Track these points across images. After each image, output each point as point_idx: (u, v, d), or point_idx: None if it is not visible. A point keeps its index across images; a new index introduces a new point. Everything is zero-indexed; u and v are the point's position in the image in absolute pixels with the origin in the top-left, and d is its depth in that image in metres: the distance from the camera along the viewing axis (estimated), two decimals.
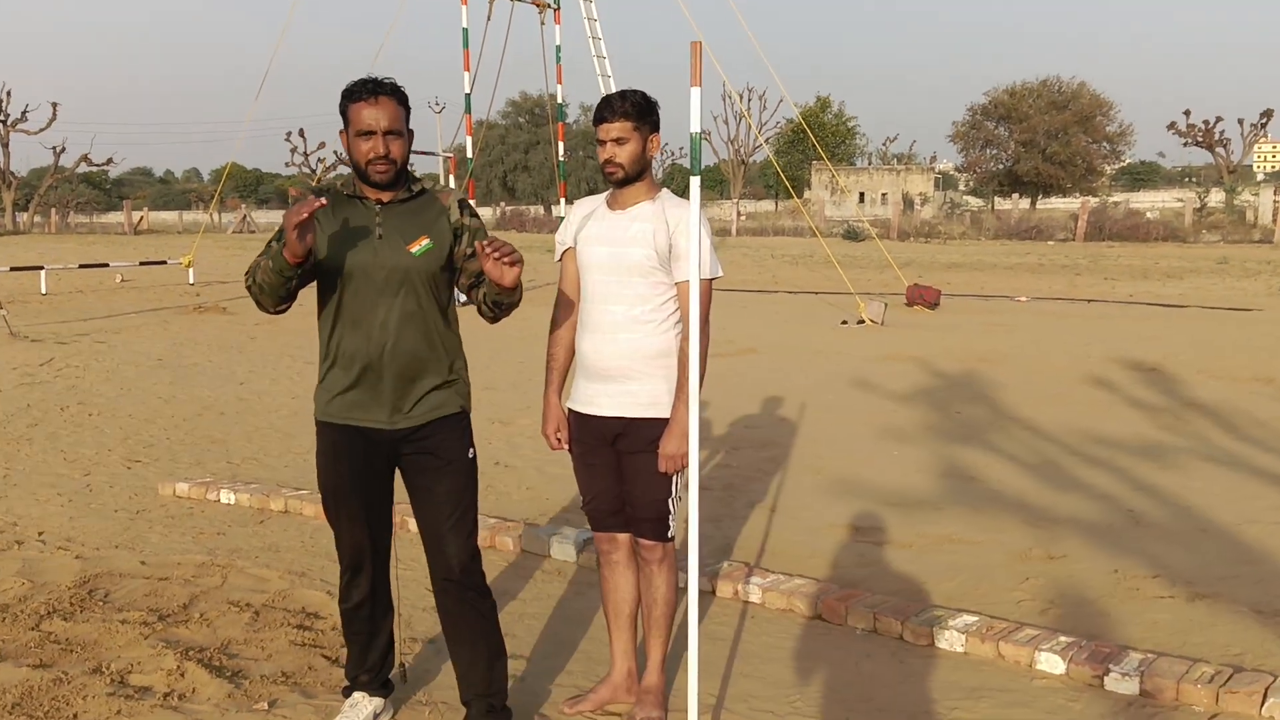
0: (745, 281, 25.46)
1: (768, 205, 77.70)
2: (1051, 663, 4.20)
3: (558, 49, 21.70)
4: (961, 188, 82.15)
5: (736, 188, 71.06)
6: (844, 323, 16.87)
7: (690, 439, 3.37)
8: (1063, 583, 5.26)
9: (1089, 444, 8.36)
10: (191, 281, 23.48)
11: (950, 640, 4.43)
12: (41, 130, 59.00)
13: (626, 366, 3.65)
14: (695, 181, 3.18)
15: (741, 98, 67.44)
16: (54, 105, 58.95)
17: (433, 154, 22.25)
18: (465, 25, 19.76)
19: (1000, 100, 68.07)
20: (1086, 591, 5.15)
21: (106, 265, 23.74)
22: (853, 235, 43.38)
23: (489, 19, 20.33)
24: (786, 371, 12.00)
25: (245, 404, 10.01)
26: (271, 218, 72.45)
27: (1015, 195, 63.00)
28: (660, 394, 3.65)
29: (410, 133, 3.50)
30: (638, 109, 3.56)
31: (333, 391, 3.52)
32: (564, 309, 3.89)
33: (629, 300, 3.63)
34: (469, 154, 20.69)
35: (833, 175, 41.91)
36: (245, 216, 62.88)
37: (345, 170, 3.75)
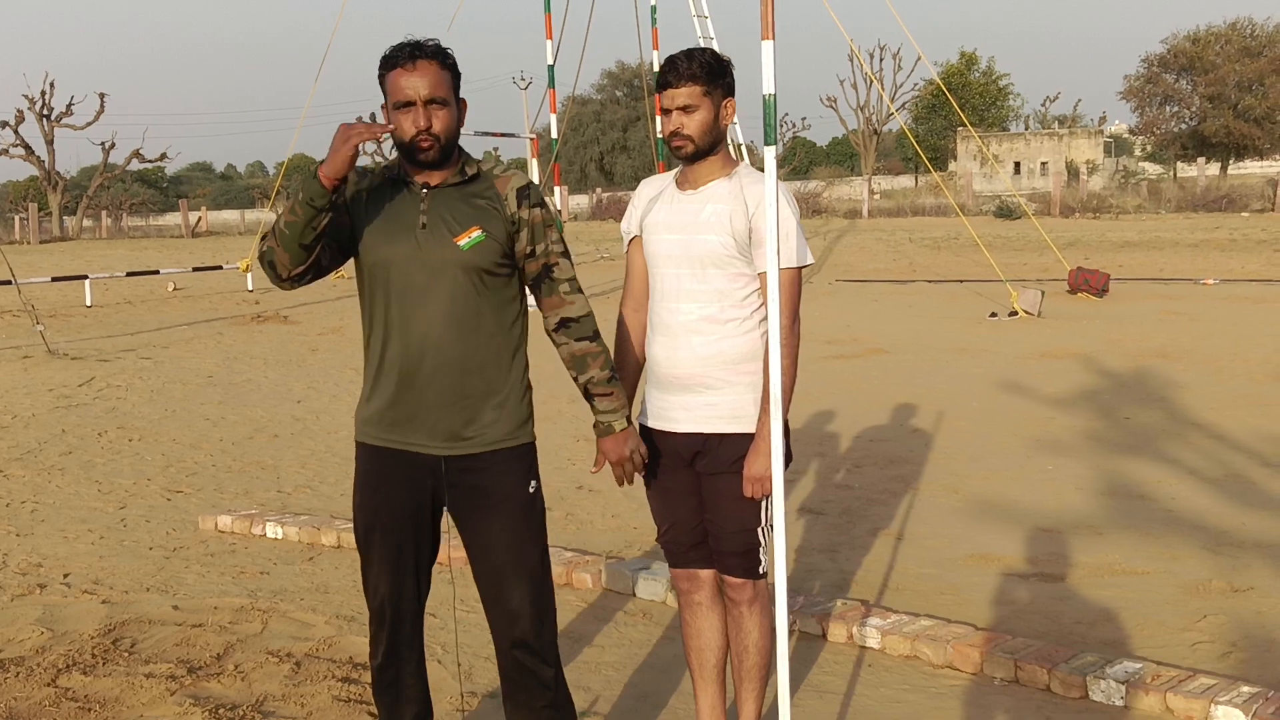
0: (877, 270, 25.19)
1: (906, 181, 76.74)
2: (1231, 717, 4.00)
3: (653, 9, 21.69)
4: (1137, 153, 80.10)
5: (869, 162, 70.32)
6: (993, 315, 16.54)
7: (774, 455, 3.28)
8: (1247, 621, 5.02)
9: None
10: (250, 288, 24.07)
11: (1107, 692, 4.25)
12: (89, 124, 60.95)
13: (704, 374, 3.57)
14: (769, 153, 3.09)
15: (872, 57, 66.77)
16: (101, 96, 60.92)
17: (515, 136, 22.40)
18: None
19: (1181, 48, 66.11)
20: (1276, 632, 4.91)
21: (157, 273, 24.48)
22: (1005, 213, 42.54)
23: None
24: (922, 374, 11.79)
25: (301, 424, 10.18)
26: None
27: (1201, 160, 60.98)
28: (745, 405, 3.56)
29: (462, 103, 3.41)
30: (707, 70, 3.47)
31: (371, 408, 3.44)
32: (632, 308, 3.83)
33: (705, 296, 3.55)
34: (554, 134, 20.80)
35: (980, 144, 41.14)
36: None
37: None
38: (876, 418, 9.69)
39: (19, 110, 60.53)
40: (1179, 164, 68.58)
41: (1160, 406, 9.86)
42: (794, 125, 74.80)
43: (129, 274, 22.80)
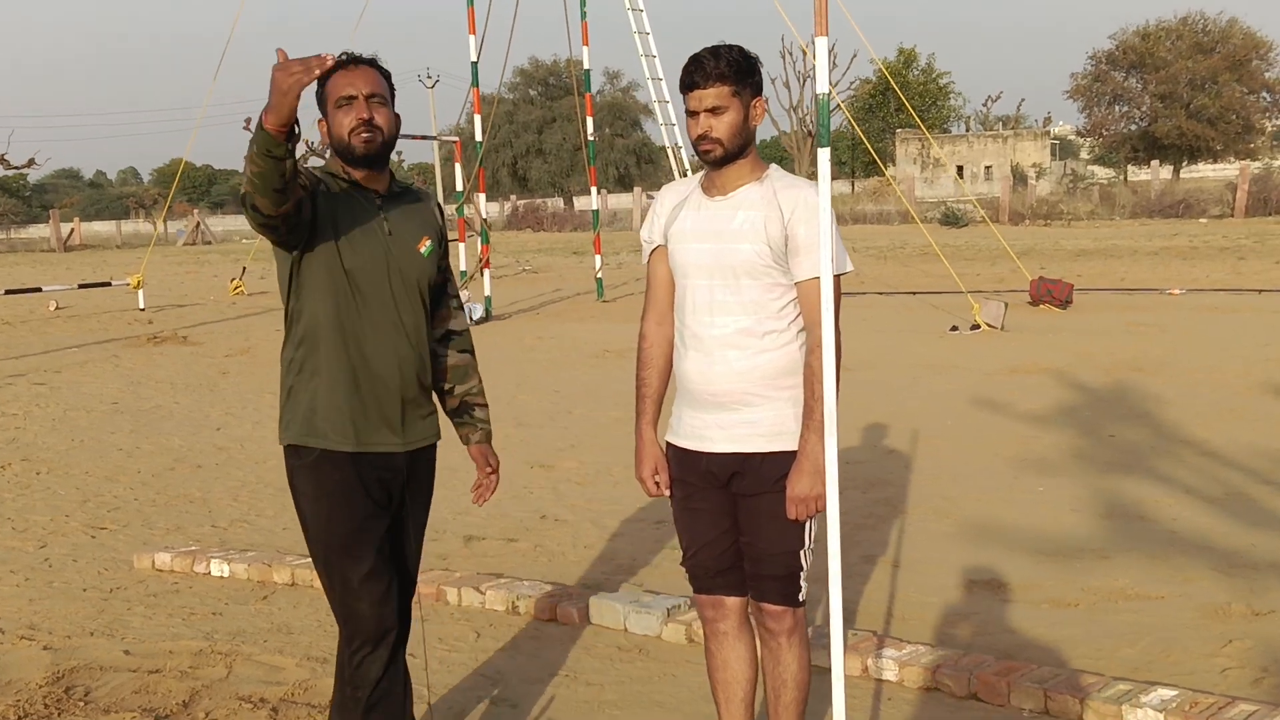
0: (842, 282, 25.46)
1: (842, 186, 77.59)
2: None
3: (582, 2, 21.83)
4: (1084, 155, 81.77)
5: (803, 166, 71.07)
6: (954, 329, 16.82)
7: (828, 474, 3.37)
8: (1275, 645, 5.21)
9: None
10: (142, 306, 23.74)
11: None
12: None
13: (743, 391, 3.65)
14: (824, 155, 3.19)
15: (805, 53, 67.51)
16: None
17: (429, 138, 22.36)
18: None
19: (1130, 45, 67.64)
20: None
21: (39, 290, 24.09)
22: (953, 220, 43.31)
23: None
24: (890, 392, 11.97)
25: (226, 454, 10.11)
26: (229, 224, 73.22)
27: (1154, 162, 62.39)
28: (786, 421, 3.65)
29: (397, 116, 3.73)
30: (736, 69, 3.56)
31: (343, 412, 3.67)
32: (655, 322, 3.89)
33: (740, 309, 3.63)
34: (479, 135, 20.82)
35: (924, 144, 41.65)
36: (199, 224, 63.59)
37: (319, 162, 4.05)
38: (848, 438, 9.82)
39: None
40: (1130, 167, 70.05)
41: (1144, 422, 10.12)
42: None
43: (7, 292, 22.42)
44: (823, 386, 3.46)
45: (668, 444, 3.89)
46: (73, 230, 61.30)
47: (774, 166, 3.72)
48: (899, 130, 71.86)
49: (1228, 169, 64.10)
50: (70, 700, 4.95)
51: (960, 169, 69.78)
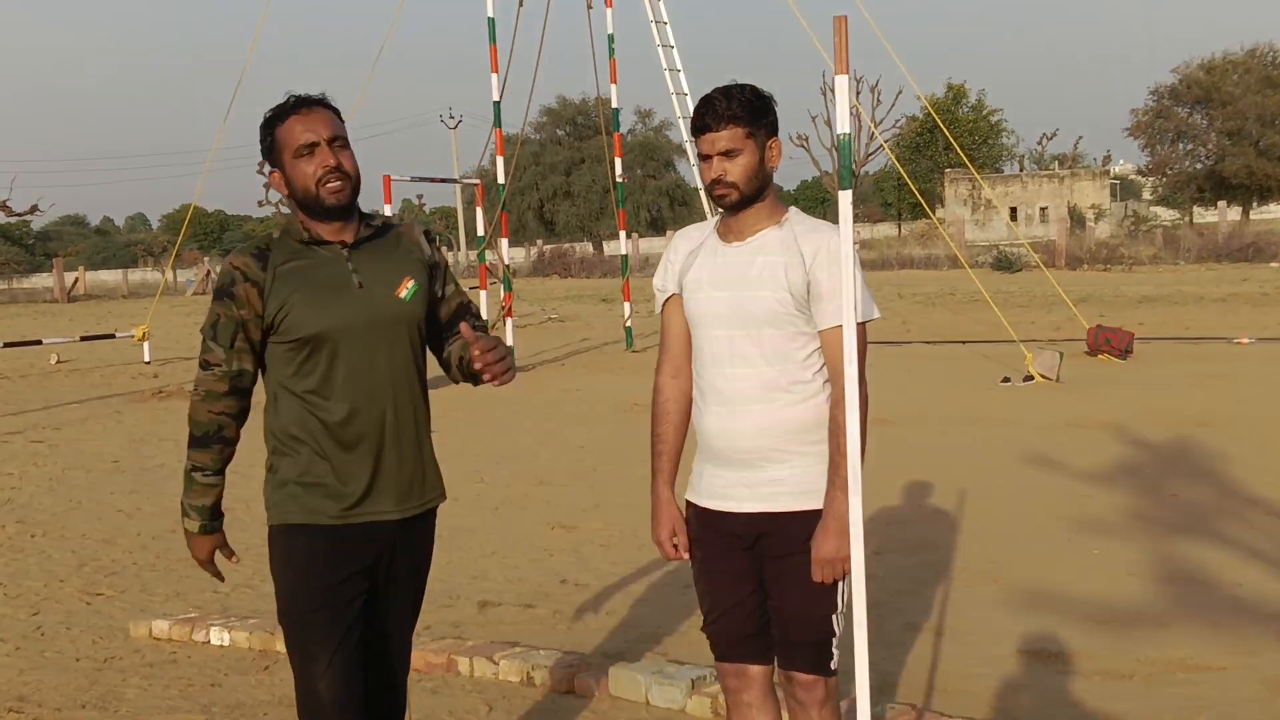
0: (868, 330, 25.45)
1: (888, 229, 77.70)
2: None
3: (610, 39, 22.00)
4: (1146, 196, 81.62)
5: None
6: (1006, 380, 16.77)
7: (853, 534, 3.36)
8: None
9: None
10: (148, 360, 23.94)
11: None
12: None
13: (767, 447, 3.65)
14: (845, 198, 3.21)
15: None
16: None
17: (451, 180, 22.56)
18: (491, 14, 20.14)
19: (1195, 79, 67.63)
20: None
21: (39, 343, 24.30)
22: (1005, 264, 43.25)
23: (521, 3, 20.70)
24: (934, 448, 11.94)
25: (230, 515, 9.94)
26: None
27: (1221, 203, 62.22)
28: (815, 478, 3.65)
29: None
30: (749, 110, 3.59)
31: (324, 484, 3.64)
32: (671, 374, 3.91)
33: (763, 360, 3.64)
34: (501, 178, 20.97)
35: (974, 185, 41.67)
36: (208, 273, 64.10)
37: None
38: (890, 498, 9.80)
39: None
40: (1195, 208, 69.83)
41: (1209, 481, 10.05)
42: None
43: (6, 345, 22.65)
44: (847, 441, 3.45)
45: (688, 503, 3.90)
46: (77, 280, 61.88)
47: (794, 209, 3.74)
48: (948, 170, 72.01)
49: None
50: None
51: (1014, 211, 69.76)
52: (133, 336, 24.42)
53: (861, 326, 3.58)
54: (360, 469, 3.63)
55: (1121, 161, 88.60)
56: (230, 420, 3.75)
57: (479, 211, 21.55)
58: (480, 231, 21.78)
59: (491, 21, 20.17)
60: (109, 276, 79.21)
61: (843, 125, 3.11)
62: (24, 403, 18.60)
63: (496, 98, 20.23)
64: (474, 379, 3.70)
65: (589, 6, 22.06)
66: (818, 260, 3.57)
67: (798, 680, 3.77)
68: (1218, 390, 15.13)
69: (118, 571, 8.48)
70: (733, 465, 3.72)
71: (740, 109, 3.59)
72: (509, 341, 20.68)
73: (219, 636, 6.75)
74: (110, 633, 7.08)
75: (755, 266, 3.65)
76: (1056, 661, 6.05)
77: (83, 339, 25.55)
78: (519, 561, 8.23)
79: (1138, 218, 63.91)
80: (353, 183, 3.61)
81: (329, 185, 3.54)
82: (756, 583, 3.78)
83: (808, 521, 3.64)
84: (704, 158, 3.64)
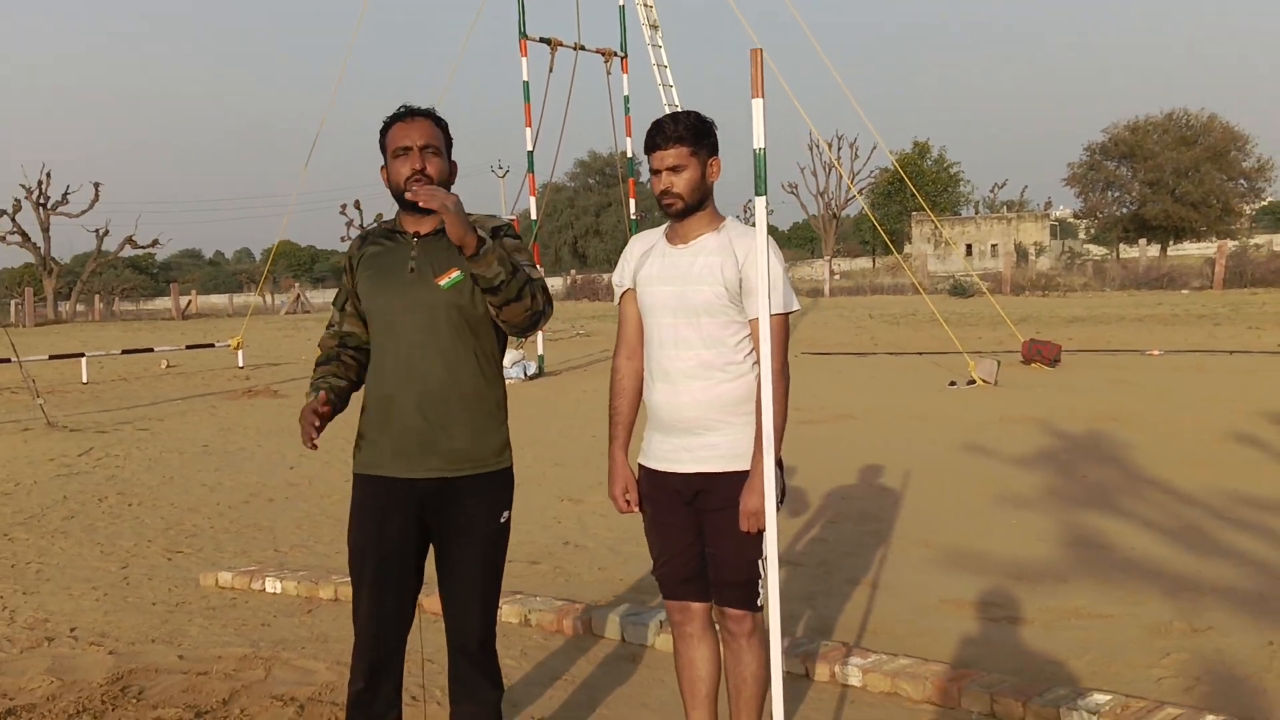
0: (840, 344, 25.33)
1: (864, 263, 77.34)
2: None
3: (626, 99, 21.97)
4: (1081, 236, 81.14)
5: (829, 245, 71.02)
6: (952, 384, 16.66)
7: (766, 490, 3.32)
8: (1209, 658, 5.06)
9: (1236, 506, 8.10)
10: (241, 365, 23.98)
11: None
12: (83, 213, 60.79)
13: (704, 417, 3.61)
14: (760, 203, 3.16)
15: (830, 146, 67.62)
16: (96, 186, 60.78)
17: (496, 218, 22.47)
18: (525, 78, 20.15)
19: (1121, 137, 67.22)
20: (1237, 668, 4.94)
21: (151, 350, 24.39)
22: (960, 291, 42.93)
23: (551, 70, 20.70)
24: (887, 438, 11.85)
25: (295, 489, 10.13)
26: (327, 296, 73.95)
27: (1142, 241, 61.74)
28: (744, 444, 3.60)
29: (453, 164, 3.62)
30: (693, 131, 3.56)
31: (364, 439, 3.62)
32: (626, 356, 3.87)
33: (700, 343, 3.60)
34: (533, 215, 20.96)
35: (935, 226, 41.63)
36: (299, 296, 64.27)
37: None
38: (846, 478, 9.73)
39: (16, 200, 60.35)
40: (1121, 245, 69.37)
41: (1115, 465, 9.94)
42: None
43: (124, 351, 22.71)
44: (762, 414, 3.40)
45: (640, 466, 3.85)
46: (190, 301, 62.02)
47: (730, 218, 3.70)
48: (914, 213, 71.70)
49: (1209, 247, 63.37)
50: (125, 698, 4.93)
51: (969, 247, 69.52)
52: (229, 345, 24.46)
53: (783, 317, 3.54)
54: (386, 430, 3.55)
55: (1061, 207, 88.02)
56: (341, 359, 3.70)
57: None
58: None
59: (526, 84, 20.17)
60: (218, 300, 79.23)
61: (758, 140, 3.06)
62: (136, 399, 18.64)
63: (530, 148, 20.25)
64: (490, 294, 3.43)
65: (608, 72, 22.03)
66: (749, 260, 3.53)
67: (729, 615, 3.72)
68: (1130, 392, 15.00)
69: (196, 534, 8.45)
70: (676, 433, 3.67)
71: (685, 131, 3.55)
72: (539, 350, 20.66)
73: (273, 585, 6.72)
74: (183, 583, 7.06)
75: (696, 266, 3.61)
76: (970, 609, 5.97)
77: (188, 347, 25.61)
78: (530, 527, 8.17)
79: (1073, 253, 63.48)
80: (435, 184, 3.49)
81: (414, 183, 3.48)
82: (696, 533, 3.73)
83: (737, 481, 3.59)
84: (654, 172, 3.60)
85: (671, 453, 3.70)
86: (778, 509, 3.51)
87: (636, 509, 3.84)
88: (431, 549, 3.66)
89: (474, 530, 3.59)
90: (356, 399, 3.73)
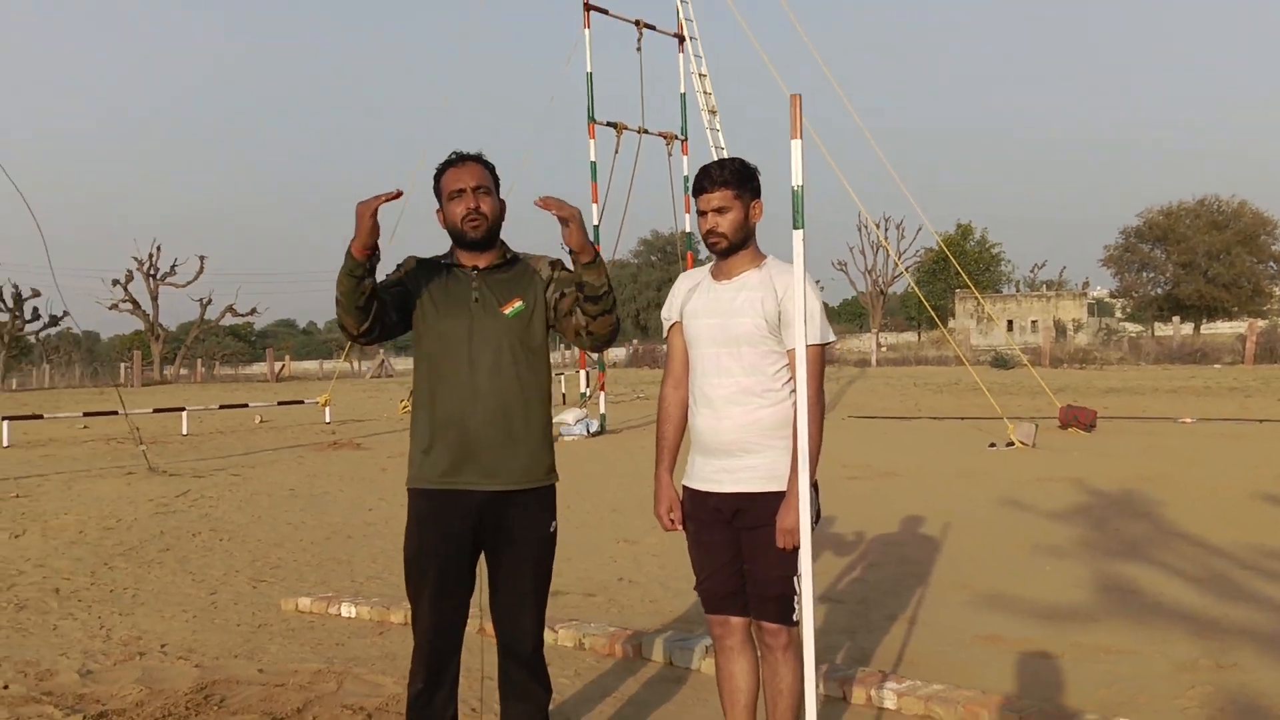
0: (884, 409, 25.12)
1: (910, 337, 76.87)
2: None
3: (685, 179, 22.14)
4: (1118, 314, 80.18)
5: (876, 319, 70.75)
6: (992, 445, 16.44)
7: (801, 511, 3.30)
8: (1233, 690, 4.93)
9: (1264, 559, 7.91)
10: (328, 420, 24.24)
11: None
12: (189, 283, 62.26)
13: (744, 440, 3.62)
14: (797, 236, 3.19)
15: (878, 226, 67.55)
16: (201, 259, 62.31)
17: (548, 257, 22.53)
18: (593, 158, 20.41)
19: (1155, 221, 66.57)
20: (1260, 699, 4.81)
21: (245, 406, 24.75)
22: (1001, 363, 42.51)
23: (616, 152, 20.95)
24: (929, 494, 11.71)
25: (372, 528, 10.20)
26: (409, 363, 74.64)
27: (1175, 319, 60.88)
28: (781, 466, 3.60)
29: (502, 202, 3.70)
30: (737, 176, 3.60)
31: (427, 456, 3.63)
32: (672, 385, 3.89)
33: (741, 371, 3.62)
34: None
35: (978, 302, 41.45)
36: (383, 362, 64.98)
37: None
38: (889, 527, 9.62)
39: (129, 270, 61.90)
40: (1156, 323, 68.45)
41: (1147, 521, 9.75)
42: None
43: (221, 407, 23.08)
44: (798, 439, 3.40)
45: (683, 487, 3.86)
46: (284, 366, 63.00)
47: (771, 257, 3.73)
48: (958, 290, 71.25)
49: (1240, 325, 62.33)
50: (207, 705, 4.97)
51: (1010, 323, 68.83)
52: (317, 402, 24.76)
53: (819, 348, 3.55)
54: (453, 446, 3.57)
55: (1099, 287, 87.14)
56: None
57: None
58: None
59: (593, 165, 20.45)
60: (309, 365, 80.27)
61: (796, 179, 3.09)
62: (230, 449, 18.88)
63: (595, 222, 20.43)
64: (592, 302, 3.54)
65: (669, 153, 22.26)
66: (788, 294, 3.55)
67: (766, 628, 3.69)
68: (1162, 456, 14.72)
69: (280, 566, 8.52)
70: (717, 455, 3.68)
71: (730, 175, 3.60)
72: (601, 409, 20.69)
73: (348, 610, 6.75)
74: (266, 607, 7.11)
75: (739, 300, 3.64)
76: (1003, 644, 5.86)
77: (279, 403, 25.98)
78: (588, 565, 8.16)
79: (1109, 330, 62.81)
80: (489, 222, 3.61)
81: (470, 222, 3.58)
82: (736, 550, 3.72)
83: (774, 501, 3.58)
84: (701, 213, 3.64)
85: (713, 474, 3.70)
86: (812, 528, 3.50)
87: (680, 527, 3.84)
88: (482, 559, 3.68)
89: (528, 540, 3.64)
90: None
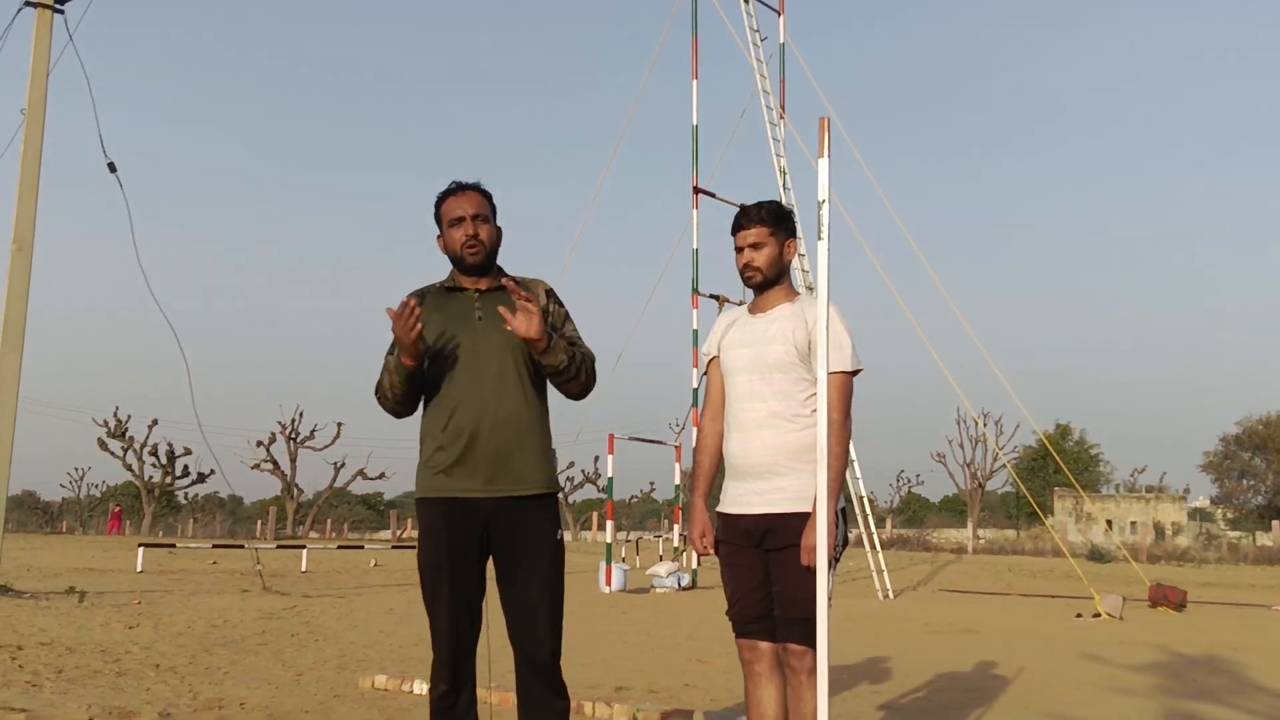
0: (977, 586, 24.25)
1: (1008, 531, 74.50)
2: None
3: None
4: (1220, 522, 76.84)
5: (974, 511, 68.90)
6: (1079, 615, 15.73)
7: (819, 530, 3.23)
8: None
9: None
10: None
11: None
12: (326, 447, 63.85)
13: (772, 462, 3.60)
14: (822, 247, 3.22)
15: (977, 423, 66.46)
16: (339, 425, 64.08)
17: (658, 442, 22.56)
18: (695, 327, 20.70)
19: (1254, 430, 64.44)
20: None
21: (362, 548, 25.03)
22: (1098, 557, 40.84)
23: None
24: (1007, 648, 11.19)
25: (411, 608, 10.09)
26: None
27: (1277, 523, 58.06)
28: (808, 488, 3.56)
29: (498, 229, 3.75)
30: (773, 215, 3.70)
31: (436, 468, 3.64)
32: (710, 418, 3.90)
33: (772, 396, 3.63)
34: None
35: (1078, 500, 40.25)
36: None
37: None
38: (962, 666, 9.21)
39: (272, 433, 63.82)
40: (1257, 532, 65.34)
41: (1225, 676, 9.16)
42: (909, 481, 74.14)
43: (339, 546, 23.38)
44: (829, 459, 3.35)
45: (717, 513, 3.82)
46: (405, 528, 63.57)
47: (805, 291, 3.76)
48: (1056, 489, 69.23)
49: None
50: None
51: (1109, 522, 66.41)
52: None
53: (847, 376, 3.53)
54: (462, 457, 3.58)
55: (1201, 497, 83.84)
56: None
57: (677, 467, 21.60)
58: (676, 480, 21.80)
59: (695, 333, 20.74)
60: None
61: (822, 193, 3.15)
62: (344, 584, 19.02)
63: (695, 386, 20.57)
64: (554, 377, 3.65)
65: None
66: (818, 324, 3.57)
67: (791, 650, 3.59)
68: (1251, 632, 13.89)
69: (366, 660, 8.48)
70: (747, 478, 3.65)
71: (766, 215, 3.69)
72: (693, 565, 20.38)
73: (420, 687, 6.68)
74: (344, 685, 7.07)
75: (772, 330, 3.68)
76: None
77: (394, 547, 26.18)
78: (657, 675, 7.96)
79: (1209, 535, 60.14)
80: (487, 248, 3.68)
81: (469, 248, 3.66)
82: (764, 575, 3.65)
83: (801, 521, 3.53)
84: (738, 249, 3.72)
85: (743, 496, 3.67)
86: (838, 554, 3.42)
87: (713, 551, 3.79)
88: (492, 571, 3.68)
89: (538, 545, 3.61)
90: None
